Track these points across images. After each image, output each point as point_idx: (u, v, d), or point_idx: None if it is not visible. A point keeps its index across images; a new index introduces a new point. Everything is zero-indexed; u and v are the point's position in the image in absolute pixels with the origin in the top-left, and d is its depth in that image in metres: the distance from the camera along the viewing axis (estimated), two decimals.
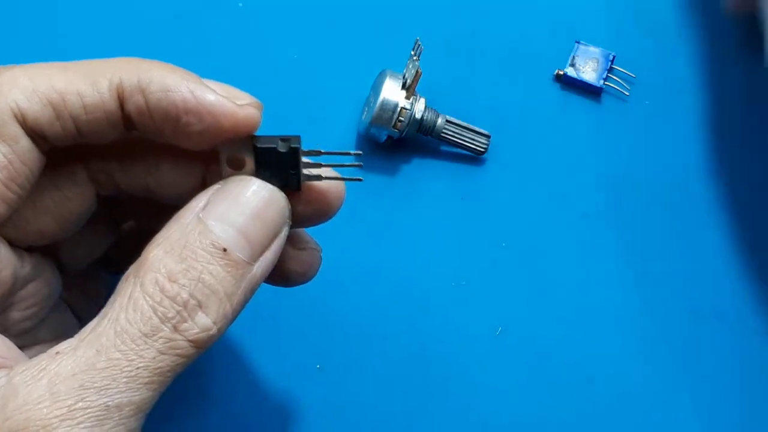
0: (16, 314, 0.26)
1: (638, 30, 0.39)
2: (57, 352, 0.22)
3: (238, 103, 0.24)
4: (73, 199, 0.26)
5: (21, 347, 0.24)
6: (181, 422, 0.34)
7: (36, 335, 0.27)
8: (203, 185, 0.25)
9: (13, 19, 0.38)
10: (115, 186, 0.27)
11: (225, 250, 0.23)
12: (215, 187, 0.24)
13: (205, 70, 0.38)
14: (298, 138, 0.25)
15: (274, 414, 0.34)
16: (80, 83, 0.23)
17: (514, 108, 0.38)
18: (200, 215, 0.23)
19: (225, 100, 0.24)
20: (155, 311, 0.22)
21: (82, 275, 0.30)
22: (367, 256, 0.36)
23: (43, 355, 0.22)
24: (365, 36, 0.39)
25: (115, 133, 0.25)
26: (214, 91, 0.24)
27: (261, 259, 0.24)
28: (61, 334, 0.27)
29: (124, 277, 0.23)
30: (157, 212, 0.26)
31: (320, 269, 0.29)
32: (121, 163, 0.27)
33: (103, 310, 0.23)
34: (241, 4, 0.39)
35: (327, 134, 0.37)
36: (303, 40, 0.38)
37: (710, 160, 0.37)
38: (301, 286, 0.29)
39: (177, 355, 0.22)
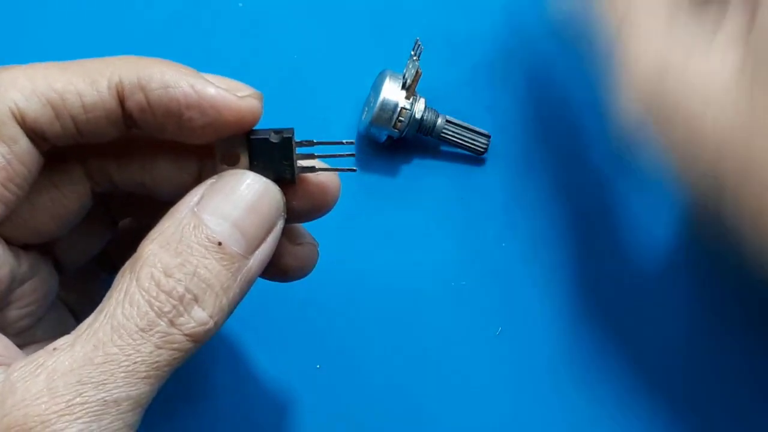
0: (13, 313, 0.26)
1: None
2: (54, 348, 0.22)
3: (239, 95, 0.24)
4: (69, 197, 0.26)
5: (19, 346, 0.24)
6: (180, 421, 0.34)
7: (34, 334, 0.27)
8: (198, 181, 0.25)
9: (12, 18, 0.38)
10: (110, 182, 0.27)
11: (220, 243, 0.23)
12: (209, 181, 0.24)
13: (204, 70, 0.38)
14: (291, 130, 0.25)
15: (274, 414, 0.34)
16: (79, 82, 0.23)
17: (514, 108, 0.38)
18: (195, 209, 0.23)
19: (226, 93, 0.24)
20: (151, 306, 0.22)
21: (79, 274, 0.30)
22: (367, 256, 0.36)
23: (41, 352, 0.22)
24: (365, 36, 0.38)
25: (115, 132, 0.25)
26: (215, 84, 0.24)
27: (257, 252, 0.24)
28: (58, 334, 0.27)
29: (120, 273, 0.23)
30: (153, 208, 0.26)
31: (320, 269, 0.29)
32: (117, 159, 0.27)
33: (100, 306, 0.23)
34: (241, 4, 0.39)
35: (327, 134, 0.37)
36: (303, 40, 0.38)
37: None
38: (301, 286, 0.29)
39: (174, 349, 0.22)
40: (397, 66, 0.36)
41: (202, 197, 0.24)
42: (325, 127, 0.37)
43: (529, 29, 0.39)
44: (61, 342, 0.22)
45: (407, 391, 0.35)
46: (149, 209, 0.28)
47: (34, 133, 0.23)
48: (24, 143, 0.23)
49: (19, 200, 0.24)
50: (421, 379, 0.35)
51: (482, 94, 0.38)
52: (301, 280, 0.29)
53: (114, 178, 0.27)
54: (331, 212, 0.28)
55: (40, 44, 0.38)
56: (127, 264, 0.23)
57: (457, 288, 0.36)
